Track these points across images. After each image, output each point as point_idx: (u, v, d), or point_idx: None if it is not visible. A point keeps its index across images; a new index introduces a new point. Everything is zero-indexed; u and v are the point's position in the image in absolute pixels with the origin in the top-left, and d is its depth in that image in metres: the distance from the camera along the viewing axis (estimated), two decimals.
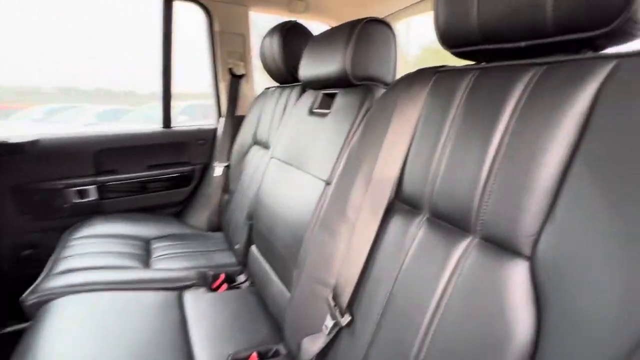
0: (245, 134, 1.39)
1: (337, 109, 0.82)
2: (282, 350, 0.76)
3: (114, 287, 0.89)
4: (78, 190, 1.30)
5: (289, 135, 0.99)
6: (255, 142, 1.34)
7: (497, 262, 0.41)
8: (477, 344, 0.40)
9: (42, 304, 0.81)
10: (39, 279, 0.92)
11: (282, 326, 0.77)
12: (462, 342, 0.41)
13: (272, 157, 1.04)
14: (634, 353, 0.27)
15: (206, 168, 1.57)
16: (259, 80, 1.62)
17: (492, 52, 0.51)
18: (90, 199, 1.33)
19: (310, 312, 0.68)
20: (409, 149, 0.57)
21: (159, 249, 1.16)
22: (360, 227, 0.61)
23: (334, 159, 0.75)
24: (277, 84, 1.33)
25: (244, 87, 1.54)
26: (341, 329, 0.61)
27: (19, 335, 0.73)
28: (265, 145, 1.23)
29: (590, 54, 0.40)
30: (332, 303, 0.62)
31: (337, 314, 0.60)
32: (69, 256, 1.01)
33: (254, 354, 0.75)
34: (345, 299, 0.60)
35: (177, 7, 1.35)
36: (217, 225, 1.42)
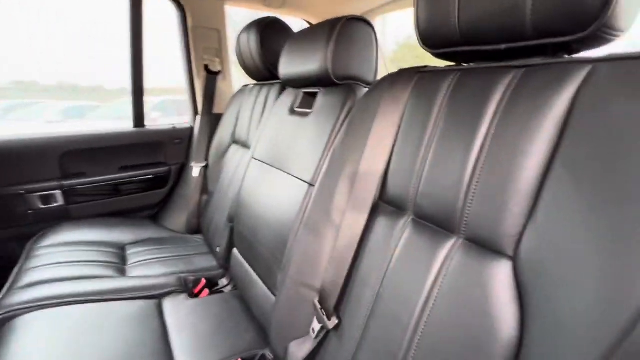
0: (223, 133, 1.35)
1: (318, 108, 0.81)
2: (269, 355, 0.75)
3: (87, 299, 0.84)
4: (42, 195, 1.21)
5: (269, 136, 0.97)
6: (234, 141, 1.30)
7: (481, 262, 0.42)
8: (464, 344, 0.41)
9: (5, 321, 0.75)
10: (1, 294, 0.85)
11: (268, 330, 0.76)
12: (449, 342, 0.42)
13: (252, 158, 1.01)
14: (615, 351, 0.28)
15: (183, 168, 1.51)
16: (235, 76, 1.57)
17: (472, 53, 0.51)
18: (56, 204, 1.24)
19: (297, 315, 0.67)
20: (392, 150, 0.57)
21: (135, 255, 1.11)
22: (345, 229, 0.61)
23: (317, 161, 0.74)
24: (255, 82, 1.30)
25: (220, 84, 1.49)
26: (328, 332, 0.60)
27: None
28: (245, 145, 1.20)
29: (567, 58, 0.41)
30: (319, 306, 0.62)
31: (324, 317, 0.60)
32: (34, 267, 0.95)
33: None
34: (332, 301, 0.59)
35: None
36: (196, 227, 1.38)
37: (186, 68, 1.45)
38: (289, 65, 0.89)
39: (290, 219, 0.75)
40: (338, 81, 0.77)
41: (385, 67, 1.29)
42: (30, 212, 1.21)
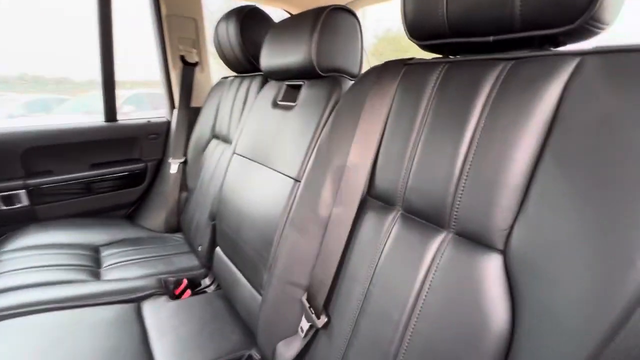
0: (202, 127, 1.30)
1: (303, 101, 0.79)
2: (255, 355, 0.74)
3: (59, 306, 0.78)
4: (3, 195, 1.12)
5: (251, 130, 0.93)
6: (214, 135, 1.25)
7: (472, 256, 0.41)
8: (456, 339, 0.41)
9: None
10: None
11: (255, 331, 0.74)
12: (441, 337, 0.42)
13: (234, 153, 0.98)
14: (607, 344, 0.28)
15: (160, 165, 1.45)
16: (214, 68, 1.51)
17: (459, 45, 0.51)
18: (20, 205, 1.16)
19: (284, 314, 0.66)
20: (380, 144, 0.56)
21: (110, 257, 1.05)
22: (333, 225, 0.59)
23: (302, 155, 0.72)
24: (235, 74, 1.25)
25: (198, 76, 1.42)
26: (318, 330, 0.59)
27: None
28: (226, 139, 1.15)
29: (556, 51, 0.41)
30: (307, 304, 0.61)
31: (313, 315, 0.59)
32: None
33: None
34: (320, 299, 0.58)
35: None
36: (176, 226, 1.33)
37: (161, 59, 1.38)
38: (271, 57, 0.86)
39: (276, 216, 0.73)
40: (323, 73, 0.75)
41: (367, 60, 1.27)
42: None
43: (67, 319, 0.75)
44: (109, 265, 1.01)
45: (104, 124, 1.31)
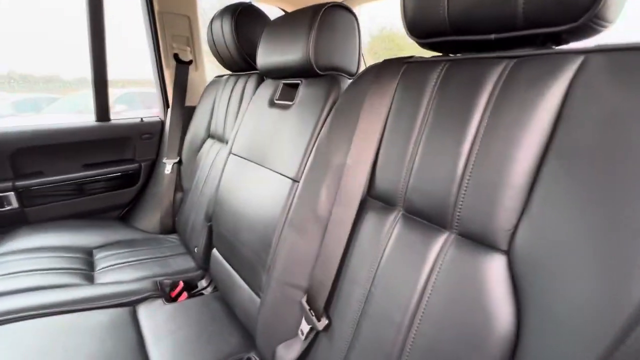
0: (197, 127, 1.28)
1: (301, 100, 0.78)
2: (255, 358, 0.73)
3: (52, 312, 0.76)
4: None
5: (248, 129, 0.92)
6: (210, 135, 1.23)
7: (475, 257, 0.41)
8: (460, 341, 0.40)
9: None
10: None
11: (253, 333, 0.73)
12: (445, 339, 0.42)
13: (230, 153, 0.96)
14: (618, 345, 0.28)
15: (154, 165, 1.42)
16: (207, 67, 1.49)
17: (460, 43, 0.50)
18: (9, 207, 1.13)
19: (284, 317, 0.65)
20: (379, 144, 0.56)
21: (104, 260, 1.03)
22: (332, 226, 0.59)
23: (301, 155, 0.71)
24: (230, 72, 1.23)
25: (192, 74, 1.40)
26: (318, 333, 0.59)
27: None
28: (221, 139, 1.14)
29: (559, 49, 0.41)
30: (307, 306, 0.60)
31: (313, 317, 0.58)
32: None
33: None
34: (321, 301, 0.57)
35: None
36: (171, 227, 1.31)
37: (154, 57, 1.35)
38: (268, 55, 0.84)
39: (274, 217, 0.72)
40: (320, 72, 0.74)
41: (362, 59, 1.26)
42: None
43: (60, 325, 0.73)
44: (102, 268, 0.99)
45: (96, 123, 1.29)
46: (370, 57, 1.74)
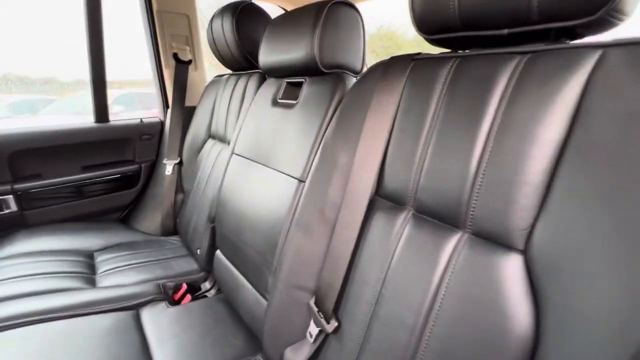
0: (197, 127, 1.27)
1: (305, 99, 0.76)
2: None
3: (53, 317, 0.75)
4: None
5: (251, 129, 0.91)
6: (211, 135, 1.22)
7: (490, 257, 0.40)
8: (476, 343, 0.39)
9: None
10: None
11: (260, 336, 0.72)
12: (460, 342, 0.41)
13: (233, 153, 0.95)
14: None
15: (154, 166, 1.41)
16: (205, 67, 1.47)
17: (470, 39, 0.49)
18: (8, 210, 1.11)
19: (291, 319, 0.64)
20: (388, 142, 0.55)
21: (106, 263, 1.02)
22: (340, 226, 0.58)
23: (306, 155, 0.70)
24: (230, 71, 1.22)
25: (192, 74, 1.39)
26: (327, 335, 0.58)
27: None
28: (222, 139, 1.12)
29: (575, 43, 0.40)
30: (316, 308, 0.59)
31: (322, 319, 0.57)
32: None
33: None
34: (329, 303, 0.56)
35: None
36: (172, 228, 1.29)
37: (153, 57, 1.34)
38: (270, 54, 0.83)
39: (280, 217, 0.71)
40: (325, 70, 0.73)
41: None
42: None
43: (63, 330, 0.72)
44: (104, 272, 0.97)
45: (95, 125, 1.27)
46: (368, 56, 1.73)
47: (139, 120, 1.37)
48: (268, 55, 0.84)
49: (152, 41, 1.31)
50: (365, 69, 0.79)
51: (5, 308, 0.75)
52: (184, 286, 0.96)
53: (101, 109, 1.28)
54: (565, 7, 0.38)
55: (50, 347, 0.67)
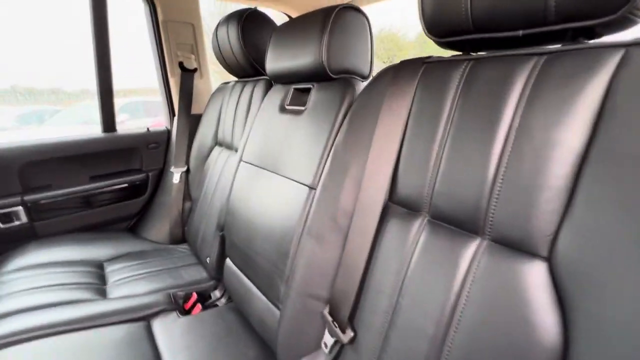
0: (204, 135, 1.27)
1: (314, 105, 0.76)
2: None
3: (65, 329, 0.75)
4: (0, 213, 1.08)
5: (259, 136, 0.90)
6: (217, 143, 1.22)
7: (513, 264, 0.39)
8: (500, 354, 0.38)
9: None
10: None
11: (273, 346, 0.71)
12: (483, 352, 0.39)
13: (241, 161, 0.95)
14: None
15: (161, 174, 1.41)
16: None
17: (483, 41, 0.48)
18: (18, 222, 1.11)
19: (305, 329, 0.63)
20: (400, 147, 0.54)
21: (116, 273, 1.02)
22: (354, 234, 0.57)
23: (317, 162, 0.69)
24: (236, 79, 1.22)
25: (197, 82, 1.39)
26: (343, 346, 0.56)
27: None
28: (230, 146, 1.12)
29: (595, 43, 0.39)
30: (330, 318, 0.58)
31: (337, 330, 0.56)
32: None
33: None
34: (344, 313, 0.55)
35: None
36: (181, 237, 1.29)
37: (159, 66, 1.34)
38: (277, 60, 0.83)
39: (291, 225, 0.70)
40: (333, 75, 0.72)
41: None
42: None
43: (75, 343, 0.71)
44: (114, 282, 0.97)
45: (103, 135, 1.28)
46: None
47: (146, 129, 1.38)
48: (275, 61, 0.84)
49: (158, 50, 1.31)
50: (373, 73, 0.78)
51: (17, 322, 0.75)
52: (194, 295, 0.95)
53: (108, 119, 1.28)
54: (584, 7, 0.37)
55: None
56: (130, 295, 0.90)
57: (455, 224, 0.46)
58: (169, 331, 0.80)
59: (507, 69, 0.43)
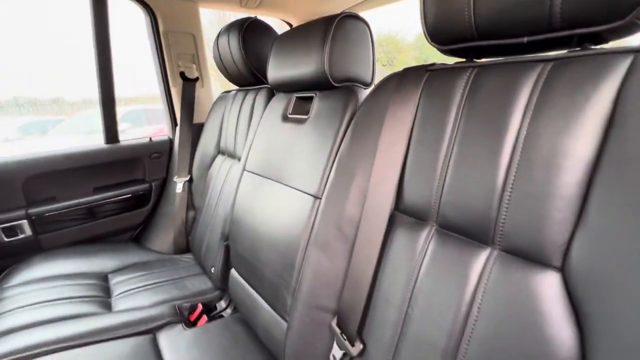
0: (206, 144, 1.27)
1: (317, 113, 0.76)
2: None
3: (70, 345, 0.74)
4: (5, 227, 1.08)
5: (261, 145, 0.90)
6: (220, 151, 1.22)
7: (525, 275, 0.38)
8: None
9: None
10: None
11: (280, 358, 0.70)
12: None
13: (244, 170, 0.94)
14: None
15: (164, 184, 1.41)
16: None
17: (487, 48, 0.48)
18: (23, 235, 1.11)
19: (313, 341, 0.62)
20: (406, 155, 0.53)
21: (120, 285, 1.01)
22: (360, 243, 0.56)
23: (321, 171, 0.69)
24: (237, 87, 1.22)
25: (199, 91, 1.40)
26: (352, 358, 0.55)
27: None
28: (232, 155, 1.12)
29: (603, 49, 0.38)
30: (338, 330, 0.57)
31: (346, 342, 0.55)
32: (4, 312, 0.83)
33: None
34: (353, 324, 0.55)
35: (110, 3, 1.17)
36: (185, 246, 1.29)
37: (160, 76, 1.35)
38: (279, 69, 0.83)
39: (296, 235, 0.69)
40: (336, 83, 0.72)
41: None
42: None
43: (82, 358, 0.71)
44: (119, 294, 0.97)
45: (105, 146, 1.28)
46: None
47: (149, 139, 1.38)
48: (277, 70, 0.84)
49: (159, 61, 1.32)
50: (375, 81, 0.78)
51: (23, 338, 0.74)
52: (200, 307, 0.95)
53: (111, 130, 1.29)
54: (591, 12, 0.37)
55: None
56: (135, 308, 0.89)
57: (464, 233, 0.46)
58: (175, 344, 0.79)
59: (512, 76, 0.43)
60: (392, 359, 0.49)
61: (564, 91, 0.38)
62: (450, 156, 0.47)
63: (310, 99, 0.79)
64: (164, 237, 1.32)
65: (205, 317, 0.92)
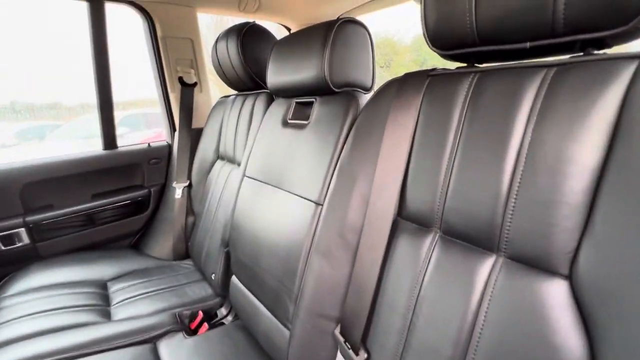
0: (205, 149, 1.26)
1: (317, 119, 0.75)
2: None
3: (70, 356, 0.73)
4: (3, 235, 1.07)
5: (261, 151, 0.90)
6: (219, 156, 1.21)
7: (532, 283, 0.38)
8: None
9: None
10: None
11: None
12: None
13: (244, 176, 0.94)
14: None
15: (163, 190, 1.40)
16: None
17: (488, 53, 0.48)
18: (21, 244, 1.10)
19: (316, 350, 0.61)
20: (408, 161, 0.53)
21: (120, 292, 1.00)
22: (363, 250, 0.56)
23: (322, 177, 0.68)
24: (236, 92, 1.22)
25: (197, 96, 1.39)
26: None
27: None
28: (232, 160, 1.12)
29: (607, 55, 0.38)
30: (342, 338, 0.56)
31: (349, 351, 0.54)
32: (3, 323, 0.82)
33: None
34: (357, 333, 0.54)
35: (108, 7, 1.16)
36: (184, 252, 1.28)
37: (159, 81, 1.34)
38: (279, 74, 0.82)
39: (297, 242, 0.69)
40: (336, 89, 0.72)
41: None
42: None
43: None
44: (118, 302, 0.95)
45: (103, 152, 1.27)
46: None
47: (147, 144, 1.37)
48: (276, 75, 0.84)
49: (158, 66, 1.32)
50: (375, 86, 0.78)
51: (21, 349, 0.73)
52: (200, 314, 0.94)
53: (109, 135, 1.28)
54: (594, 18, 0.37)
55: None
56: (135, 317, 0.88)
57: (469, 240, 0.45)
58: (175, 353, 0.78)
59: (515, 81, 0.42)
60: None
61: (568, 97, 0.38)
62: (454, 162, 0.46)
63: (310, 104, 0.79)
64: (163, 243, 1.31)
65: (206, 324, 0.91)
